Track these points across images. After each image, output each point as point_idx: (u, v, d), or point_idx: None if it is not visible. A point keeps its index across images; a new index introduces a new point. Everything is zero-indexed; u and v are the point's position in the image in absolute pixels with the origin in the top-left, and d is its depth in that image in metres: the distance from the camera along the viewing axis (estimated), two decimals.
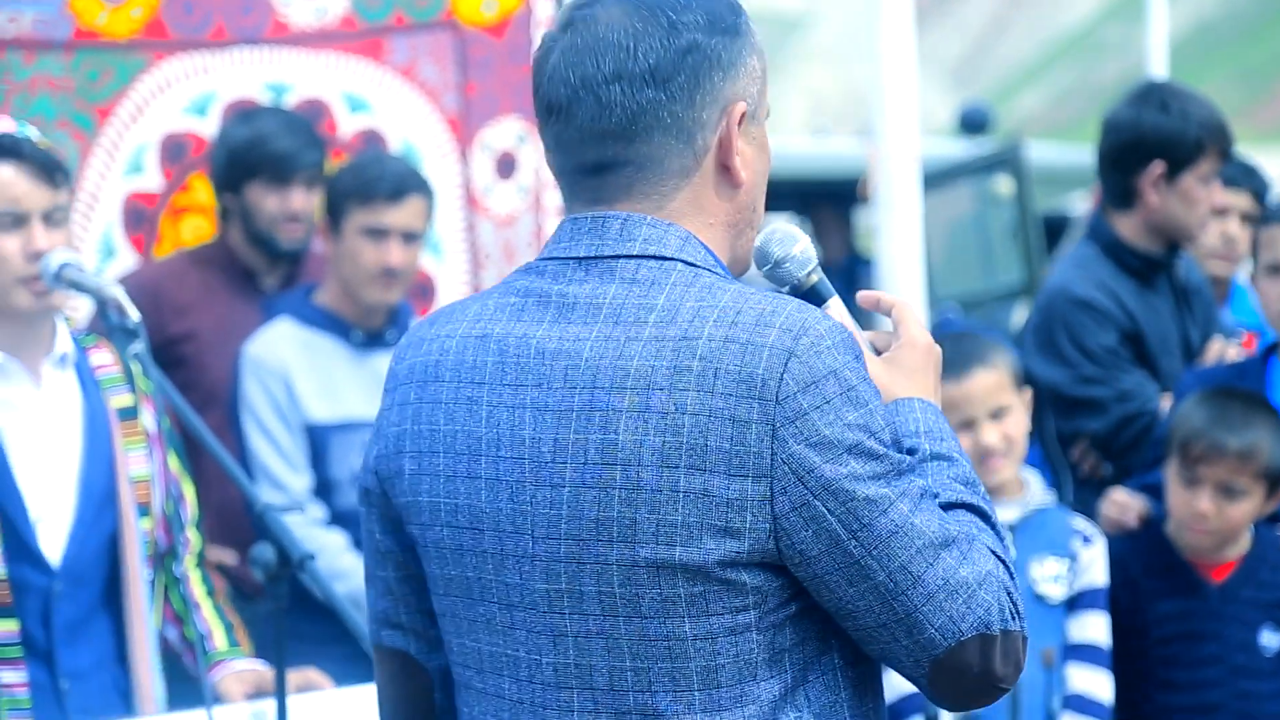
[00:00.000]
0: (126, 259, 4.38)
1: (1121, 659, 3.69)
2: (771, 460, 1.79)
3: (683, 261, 1.87)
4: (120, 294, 2.96)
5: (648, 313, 1.83)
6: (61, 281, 3.04)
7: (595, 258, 1.88)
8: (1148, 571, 3.68)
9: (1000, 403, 3.63)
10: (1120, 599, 3.67)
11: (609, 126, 1.88)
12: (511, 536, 1.85)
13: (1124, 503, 3.79)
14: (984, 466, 3.61)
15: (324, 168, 4.24)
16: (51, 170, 3.10)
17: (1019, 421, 3.65)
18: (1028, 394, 3.70)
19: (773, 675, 1.86)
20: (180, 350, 4.11)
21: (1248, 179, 4.65)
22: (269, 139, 4.17)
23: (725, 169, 1.91)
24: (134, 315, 2.96)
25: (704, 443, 1.79)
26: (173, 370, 3.97)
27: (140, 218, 4.40)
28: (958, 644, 1.86)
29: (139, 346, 2.95)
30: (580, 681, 1.84)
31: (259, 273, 4.26)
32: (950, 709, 1.96)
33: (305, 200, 4.20)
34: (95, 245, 4.36)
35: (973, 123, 8.61)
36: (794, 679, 1.86)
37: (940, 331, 3.92)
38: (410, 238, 3.97)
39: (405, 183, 3.95)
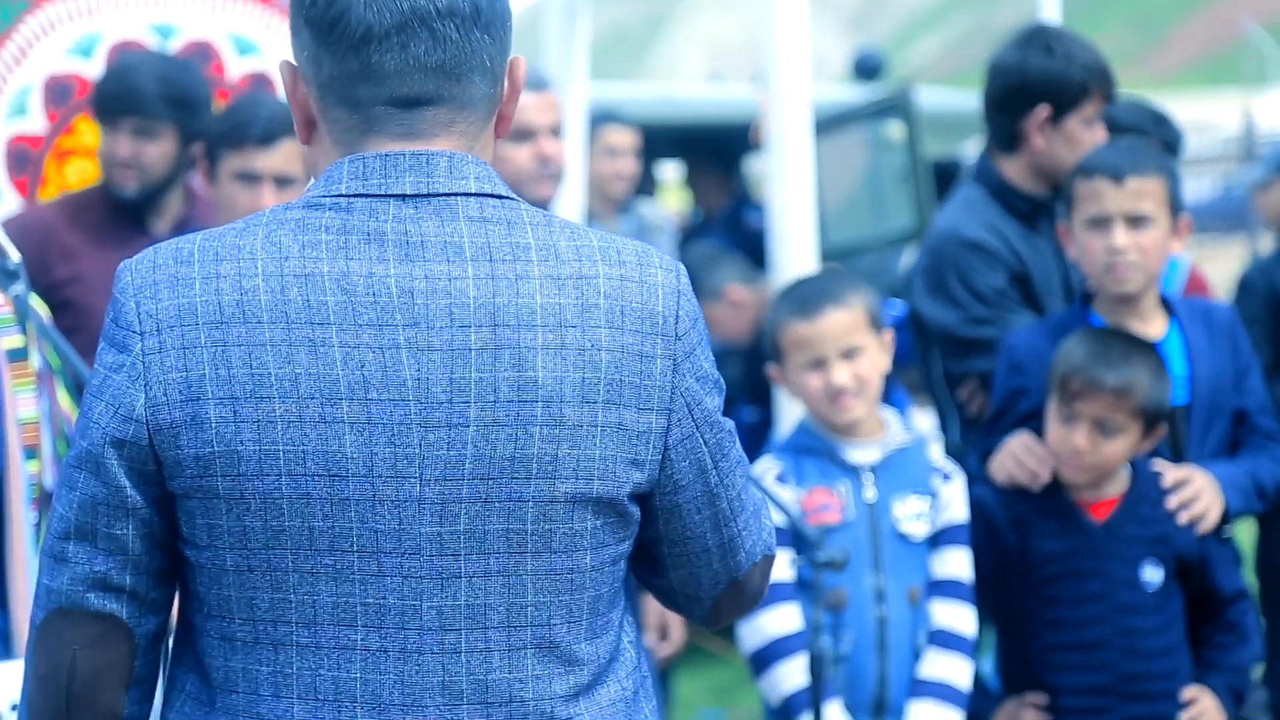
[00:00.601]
0: (10, 202, 4.33)
1: (1007, 597, 3.74)
2: (671, 394, 1.87)
3: (517, 200, 1.90)
4: (1, 235, 2.92)
5: (524, 250, 1.84)
6: None
7: (426, 195, 1.86)
8: (1032, 511, 3.71)
9: (853, 342, 3.65)
10: (1006, 539, 3.71)
11: (439, 61, 1.87)
12: (390, 481, 1.80)
13: (1019, 457, 3.77)
14: (834, 405, 3.63)
15: (177, 120, 4.10)
16: None
17: (873, 362, 3.67)
18: (888, 336, 3.73)
19: (619, 601, 1.95)
20: (67, 293, 4.07)
21: (1157, 127, 4.60)
22: (110, 79, 4.08)
23: (501, 119, 1.95)
24: (14, 256, 2.93)
25: (618, 378, 1.84)
26: (60, 313, 3.93)
27: (24, 160, 4.35)
28: (751, 565, 2.00)
29: (20, 288, 2.92)
30: (470, 622, 1.84)
31: (145, 215, 4.20)
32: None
33: (131, 147, 4.07)
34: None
35: (866, 68, 8.64)
36: (624, 603, 1.97)
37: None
38: (284, 182, 3.92)
39: (276, 126, 3.89)
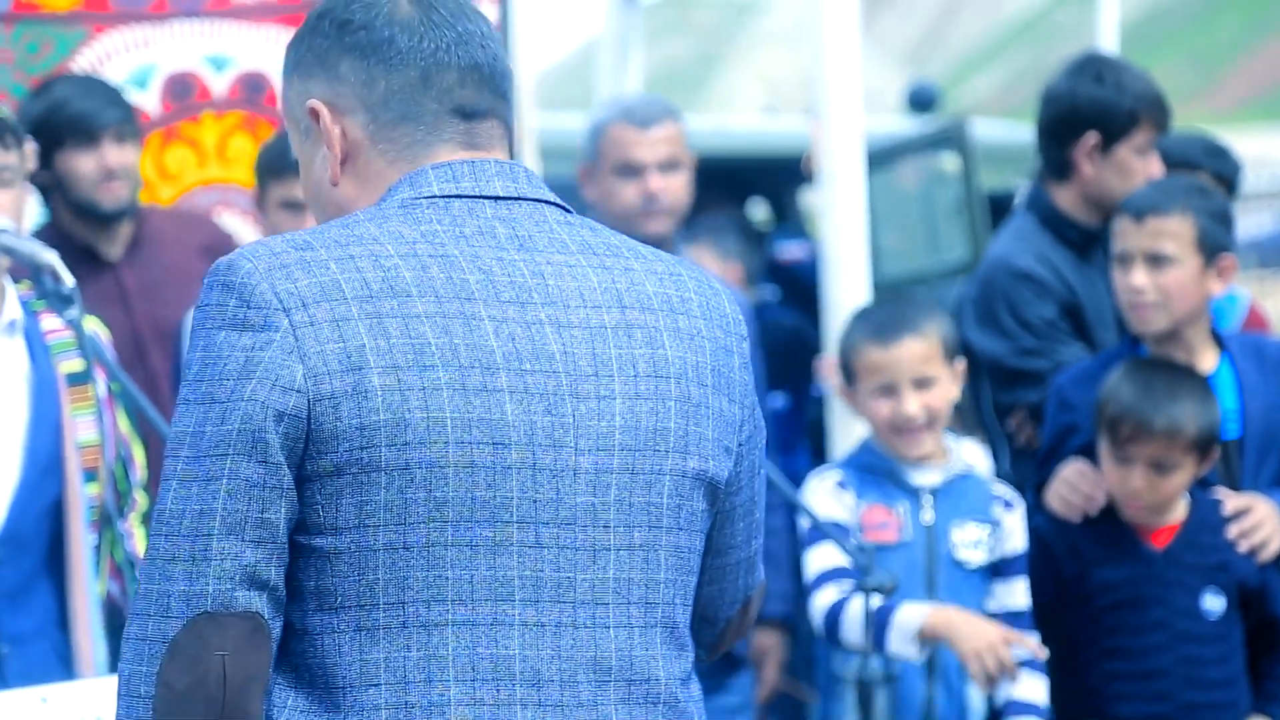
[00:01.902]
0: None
1: (1066, 626, 3.73)
2: (744, 390, 1.94)
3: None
4: (55, 259, 2.96)
5: (618, 249, 1.92)
6: None
7: (515, 198, 1.91)
8: (1091, 539, 3.71)
9: (927, 373, 3.65)
10: (1065, 567, 3.70)
11: (490, 74, 1.94)
12: (548, 450, 1.82)
13: (1073, 483, 3.76)
14: (902, 436, 3.63)
15: (133, 122, 4.09)
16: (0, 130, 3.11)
17: (945, 393, 3.67)
18: (960, 366, 3.72)
19: None
20: None
21: (1212, 160, 4.53)
22: (65, 103, 4.03)
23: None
24: (69, 280, 2.96)
25: (717, 366, 1.91)
26: None
27: None
28: (760, 585, 2.05)
29: (74, 312, 2.96)
30: (618, 597, 1.84)
31: (96, 244, 4.12)
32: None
33: (119, 155, 4.04)
34: (38, 218, 4.35)
35: (920, 101, 8.63)
36: None
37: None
38: None
39: None
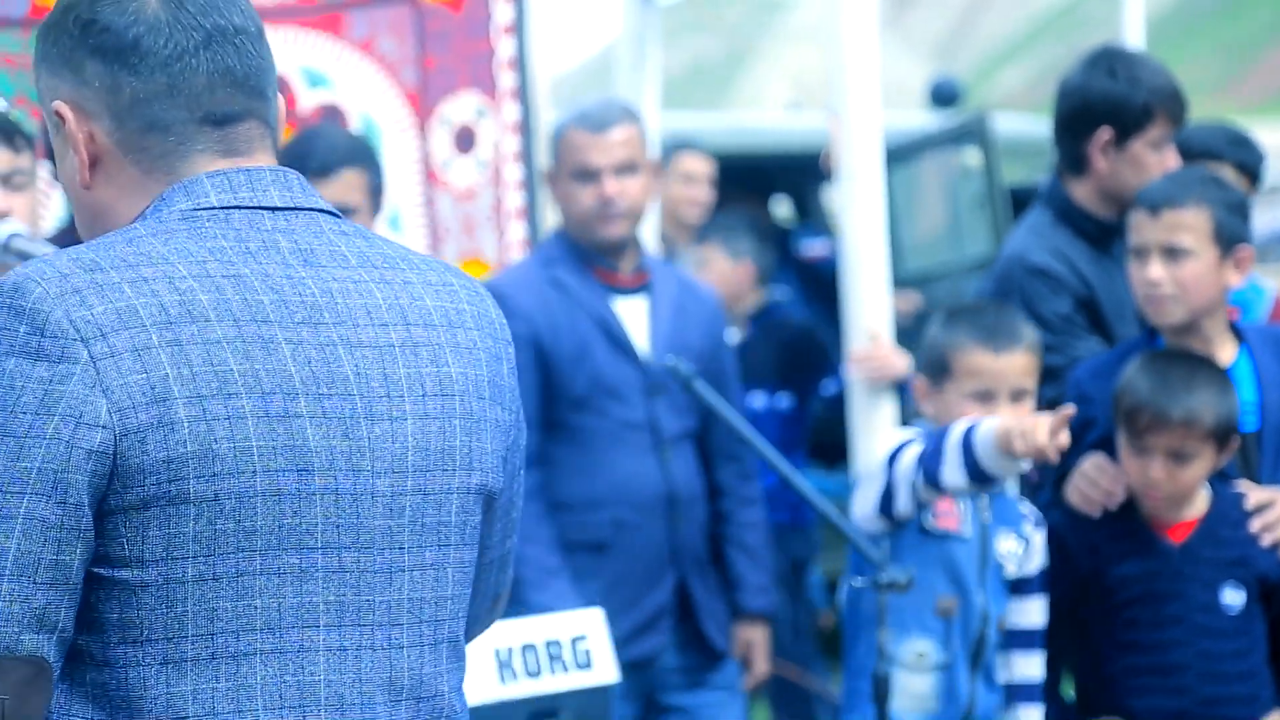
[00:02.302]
0: None
1: (1084, 621, 3.73)
2: (512, 395, 1.96)
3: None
4: None
5: (392, 260, 1.91)
6: (10, 252, 3.06)
7: (292, 208, 1.88)
8: (1108, 534, 3.71)
9: (1025, 386, 3.66)
10: (1082, 562, 3.70)
11: (244, 75, 1.89)
12: (348, 474, 1.81)
13: (1093, 478, 3.75)
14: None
15: None
16: (10, 133, 3.13)
17: (1032, 409, 3.67)
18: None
19: None
20: None
21: (1235, 150, 4.49)
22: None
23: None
24: None
25: (492, 377, 1.91)
26: None
27: None
28: (508, 582, 2.08)
29: None
30: (411, 616, 1.85)
31: None
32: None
33: None
34: (54, 222, 4.37)
35: (943, 96, 8.63)
36: None
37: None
38: (344, 212, 3.92)
39: (334, 157, 3.93)
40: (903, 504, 3.45)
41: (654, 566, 4.17)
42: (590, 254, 4.26)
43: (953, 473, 3.34)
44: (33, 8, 4.28)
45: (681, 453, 4.22)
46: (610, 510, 4.14)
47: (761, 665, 4.42)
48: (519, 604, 3.79)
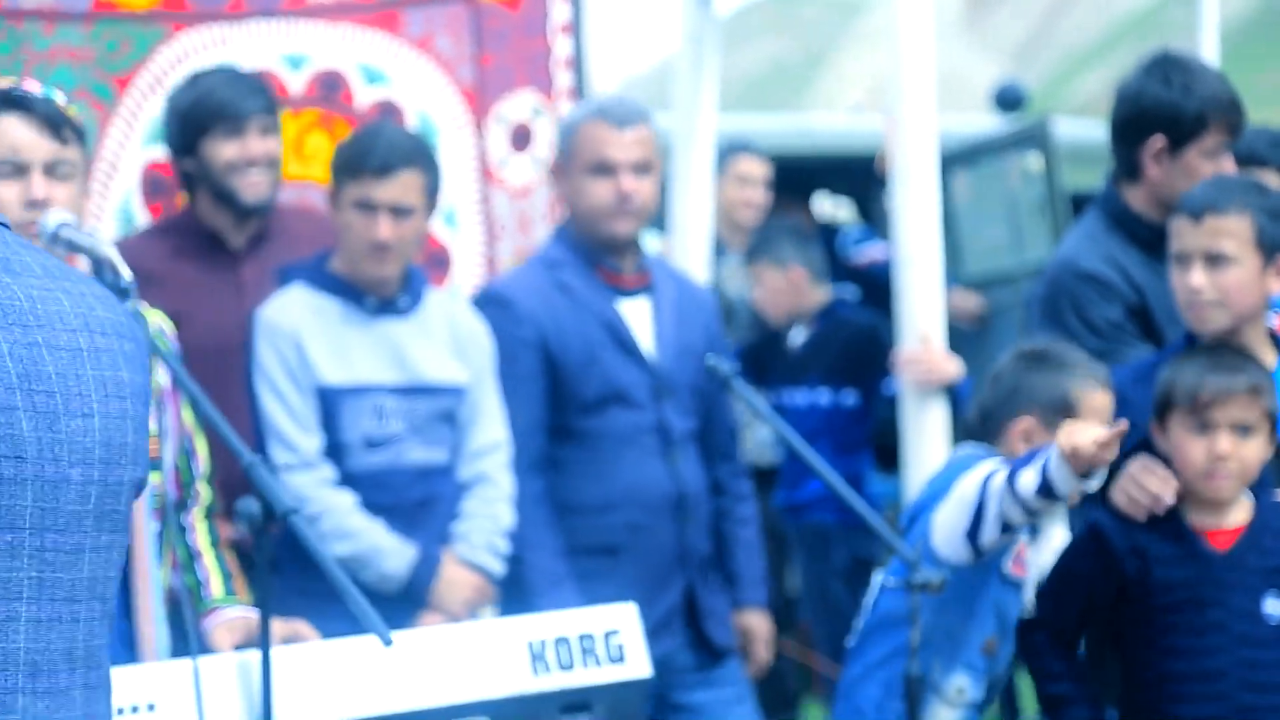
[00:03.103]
0: (143, 221, 4.46)
1: (1125, 625, 3.72)
2: (148, 396, 2.10)
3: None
4: (114, 253, 3.03)
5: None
6: (58, 241, 3.12)
7: None
8: (1152, 538, 3.70)
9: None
10: (1126, 565, 3.70)
11: None
12: (51, 463, 1.97)
13: (1141, 481, 3.73)
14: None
15: (276, 117, 4.21)
16: (57, 124, 3.17)
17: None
18: None
19: None
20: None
21: (1278, 154, 4.50)
22: (214, 91, 4.15)
23: None
24: (127, 275, 3.03)
25: (140, 380, 2.07)
26: None
27: (159, 187, 4.49)
28: None
29: (131, 305, 3.03)
30: (88, 593, 2.03)
31: (225, 233, 4.22)
32: None
33: (262, 144, 4.15)
34: (114, 213, 4.44)
35: (1007, 100, 8.61)
36: None
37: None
38: (400, 212, 3.95)
39: (394, 157, 3.93)
40: (990, 530, 3.44)
41: (664, 570, 4.20)
42: (595, 254, 4.24)
43: (1028, 483, 3.35)
44: (95, 2, 4.35)
45: (688, 453, 4.24)
46: (623, 513, 4.16)
47: (763, 653, 4.45)
48: (526, 610, 3.79)
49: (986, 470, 3.46)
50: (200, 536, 3.38)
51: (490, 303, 4.24)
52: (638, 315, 4.26)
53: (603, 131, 4.22)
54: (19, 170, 3.15)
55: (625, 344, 4.20)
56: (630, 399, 4.17)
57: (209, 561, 3.37)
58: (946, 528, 3.46)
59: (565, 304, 4.19)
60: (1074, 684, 3.71)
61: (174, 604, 3.31)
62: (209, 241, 4.21)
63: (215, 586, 3.34)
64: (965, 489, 3.48)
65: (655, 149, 4.29)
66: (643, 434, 4.18)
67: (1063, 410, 3.68)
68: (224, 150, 4.13)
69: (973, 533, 3.44)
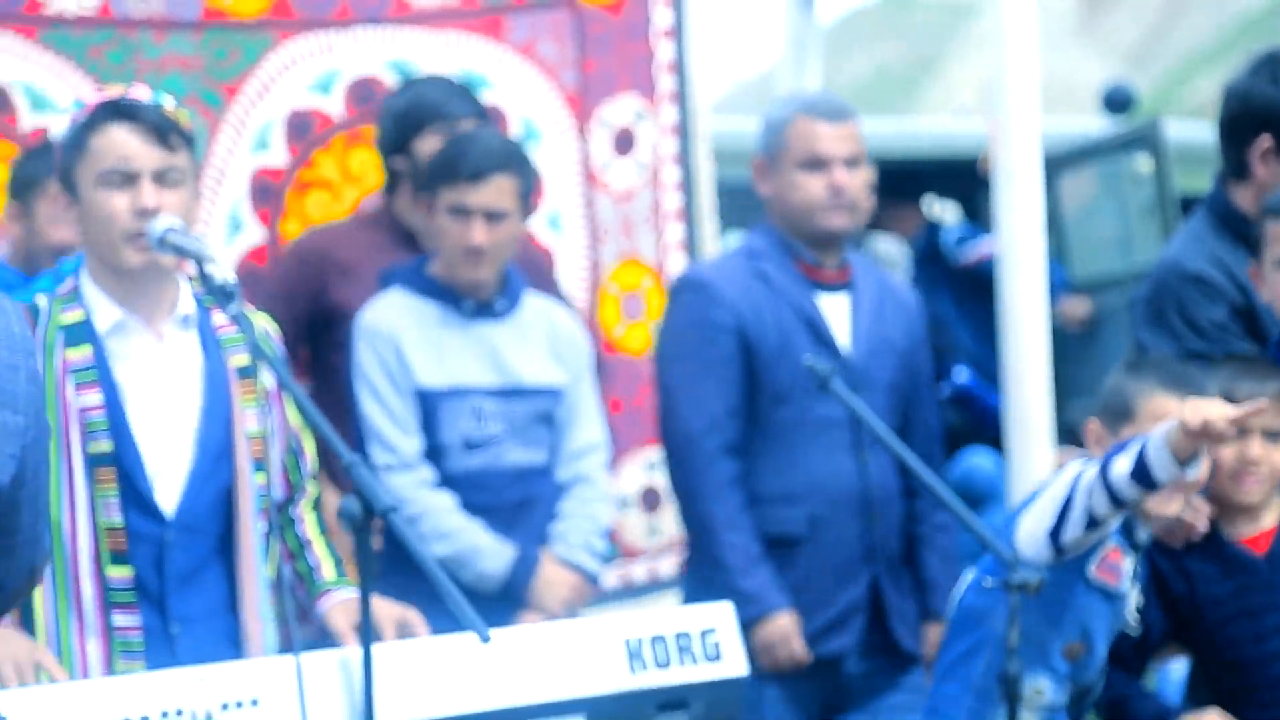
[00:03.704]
0: (254, 233, 4.53)
1: (1191, 648, 3.73)
2: (27, 400, 2.15)
3: None
4: (220, 257, 3.09)
5: None
6: (165, 245, 3.18)
7: None
8: (1193, 557, 3.71)
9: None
10: (1174, 587, 3.70)
11: None
12: None
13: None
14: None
15: (485, 119, 4.30)
16: (165, 131, 3.23)
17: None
18: None
19: None
20: (345, 308, 4.20)
21: None
22: (426, 93, 4.27)
23: None
24: (230, 278, 3.09)
25: (5, 385, 2.14)
26: (339, 327, 4.14)
27: (267, 192, 4.55)
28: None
29: (235, 307, 3.09)
30: None
31: (421, 233, 4.28)
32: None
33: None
34: (223, 219, 4.51)
35: (1116, 101, 8.54)
36: None
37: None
38: (494, 217, 3.98)
39: (487, 162, 3.96)
40: (1074, 526, 3.42)
41: (848, 564, 4.15)
42: (797, 248, 4.23)
43: (1121, 469, 3.31)
44: (205, 11, 4.42)
45: (880, 452, 4.16)
46: (807, 505, 4.13)
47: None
48: (724, 590, 3.82)
49: (1077, 469, 3.45)
50: (309, 526, 3.45)
51: (689, 287, 4.25)
52: (836, 310, 4.23)
53: (815, 126, 4.20)
54: (129, 179, 3.21)
55: (820, 336, 4.18)
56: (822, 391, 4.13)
57: (319, 549, 3.43)
58: (1031, 526, 3.45)
59: (763, 293, 4.18)
60: (1134, 685, 3.71)
61: (281, 598, 3.37)
62: (406, 238, 4.29)
63: (327, 570, 3.40)
64: (1055, 487, 3.47)
65: (864, 145, 4.27)
66: (832, 427, 4.14)
67: (1120, 414, 3.66)
68: (435, 148, 4.18)
69: (1056, 530, 3.42)
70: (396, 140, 4.29)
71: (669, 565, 4.93)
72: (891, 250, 6.58)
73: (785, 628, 4.05)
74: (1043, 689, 3.53)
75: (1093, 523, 3.38)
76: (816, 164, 4.19)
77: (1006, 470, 5.38)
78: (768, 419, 4.16)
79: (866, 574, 4.18)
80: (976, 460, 7.06)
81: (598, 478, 4.11)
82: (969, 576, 3.64)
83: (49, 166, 3.96)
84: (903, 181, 7.92)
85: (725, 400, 4.13)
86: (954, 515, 3.49)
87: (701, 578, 4.13)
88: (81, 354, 3.23)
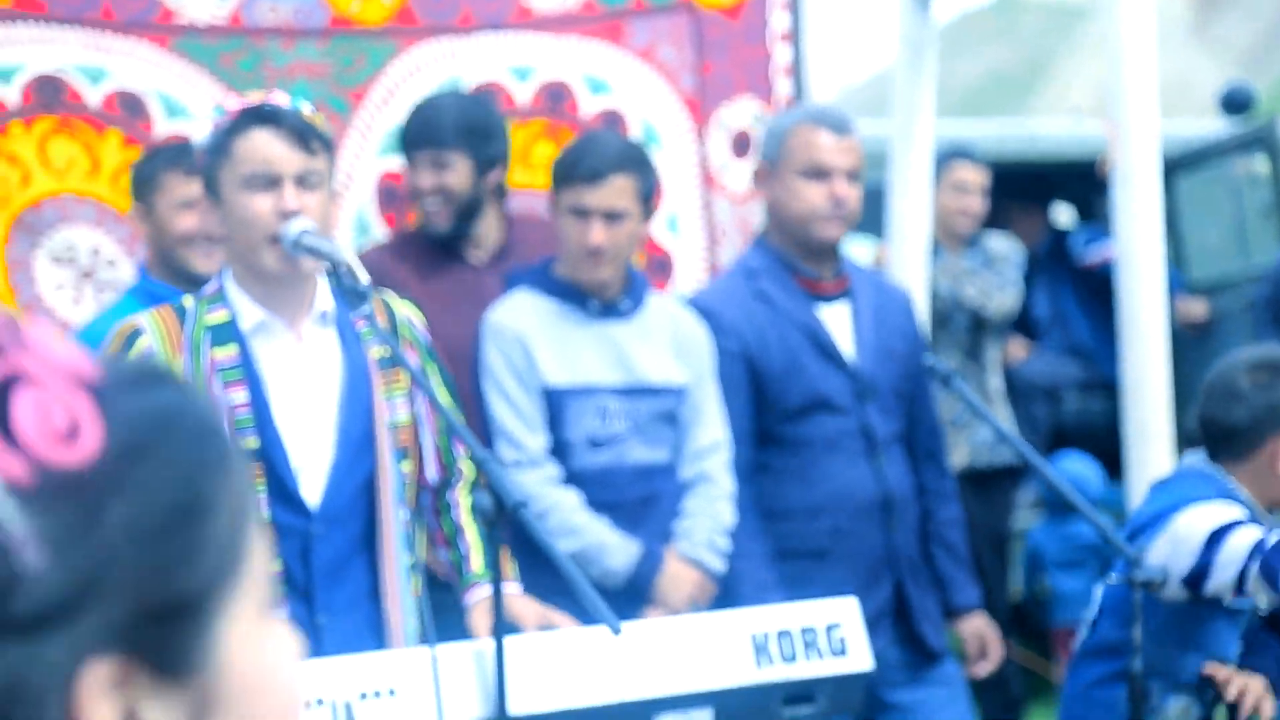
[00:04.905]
0: (382, 236, 4.60)
1: None
2: None
3: None
4: (352, 258, 3.16)
5: None
6: (299, 248, 3.25)
7: None
8: None
9: None
10: None
11: None
12: None
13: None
14: None
15: (468, 149, 4.26)
16: (306, 136, 3.30)
17: None
18: None
19: None
20: None
21: None
22: (415, 115, 4.27)
23: None
24: (364, 278, 3.15)
25: None
26: None
27: (393, 197, 4.63)
28: None
29: (367, 309, 3.15)
30: None
31: (464, 246, 4.33)
32: None
33: (431, 179, 4.24)
34: (350, 223, 4.59)
35: (1234, 103, 8.48)
36: None
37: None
38: (613, 217, 4.02)
39: (605, 163, 4.01)
40: (1218, 586, 3.40)
41: (872, 570, 4.21)
42: (794, 262, 4.27)
43: None
44: (332, 19, 4.51)
45: (893, 456, 4.25)
46: (829, 518, 4.18)
47: (996, 652, 4.42)
48: None
49: (1217, 519, 3.41)
50: (464, 512, 3.50)
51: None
52: (837, 321, 4.28)
53: (819, 136, 4.24)
54: (272, 182, 3.28)
55: (826, 350, 4.23)
56: (833, 404, 4.19)
57: (470, 536, 3.47)
58: (1162, 560, 3.42)
59: (765, 313, 4.23)
60: None
61: (433, 583, 3.43)
62: (445, 250, 4.33)
63: (475, 561, 3.45)
64: (1191, 533, 3.41)
65: (863, 160, 4.31)
66: (847, 438, 4.20)
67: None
68: (411, 175, 4.24)
69: (1194, 581, 3.40)
70: (404, 155, 4.32)
71: None
72: (1003, 246, 6.57)
73: None
74: (1189, 707, 3.53)
75: (1242, 588, 3.37)
76: (819, 173, 4.21)
77: (1125, 471, 5.37)
78: (782, 437, 4.21)
79: (890, 577, 4.24)
80: (1072, 465, 7.05)
81: (720, 476, 4.15)
82: (1106, 579, 3.63)
83: (164, 162, 4.07)
84: (1024, 185, 7.91)
85: (736, 425, 4.19)
86: (1077, 511, 3.50)
87: (722, 599, 4.13)
88: (227, 353, 3.31)
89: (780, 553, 4.15)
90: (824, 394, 4.19)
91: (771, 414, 4.21)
